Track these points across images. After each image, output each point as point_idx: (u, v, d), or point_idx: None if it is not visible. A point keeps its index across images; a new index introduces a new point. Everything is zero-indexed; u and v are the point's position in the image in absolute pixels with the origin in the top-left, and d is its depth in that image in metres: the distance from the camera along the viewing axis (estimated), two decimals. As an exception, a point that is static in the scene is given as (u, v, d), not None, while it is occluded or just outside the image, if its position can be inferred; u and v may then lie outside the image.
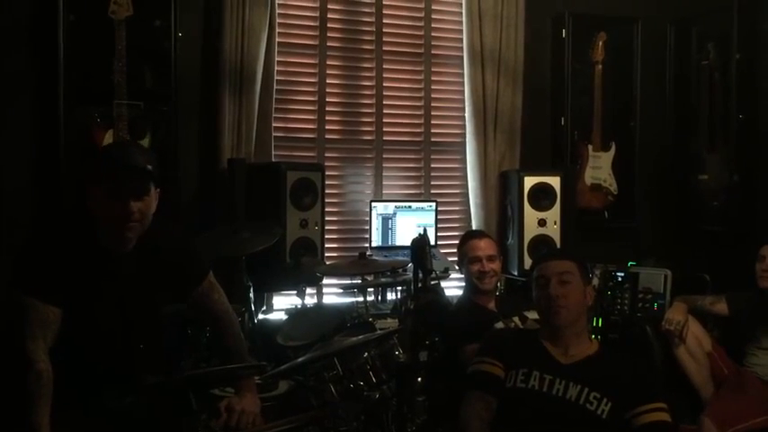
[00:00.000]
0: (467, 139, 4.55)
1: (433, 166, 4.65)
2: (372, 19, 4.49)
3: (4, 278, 2.11)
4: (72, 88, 3.57)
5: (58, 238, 2.13)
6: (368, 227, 4.32)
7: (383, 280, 3.46)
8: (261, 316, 3.73)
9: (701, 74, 4.78)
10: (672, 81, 5.01)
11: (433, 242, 3.87)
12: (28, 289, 2.04)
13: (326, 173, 4.03)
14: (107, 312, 2.15)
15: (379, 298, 3.82)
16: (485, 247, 3.28)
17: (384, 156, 4.54)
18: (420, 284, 2.25)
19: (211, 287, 2.44)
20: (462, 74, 4.54)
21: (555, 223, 4.28)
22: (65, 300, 2.05)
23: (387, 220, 4.31)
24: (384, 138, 4.54)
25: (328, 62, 4.39)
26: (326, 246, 4.05)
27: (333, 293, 4.17)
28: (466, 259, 3.27)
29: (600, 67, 4.71)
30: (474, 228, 4.40)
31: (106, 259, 2.15)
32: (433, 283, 2.27)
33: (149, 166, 2.11)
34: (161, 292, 2.31)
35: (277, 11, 4.11)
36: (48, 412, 1.96)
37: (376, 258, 3.66)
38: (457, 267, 3.46)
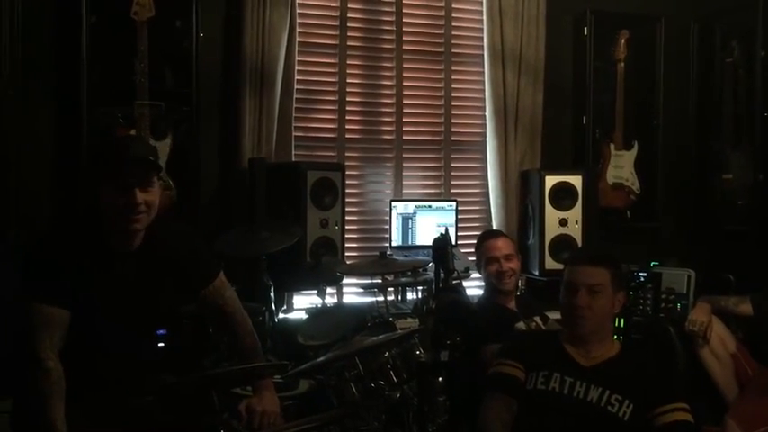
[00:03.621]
0: (487, 139, 4.53)
1: (453, 165, 4.64)
2: (392, 18, 4.49)
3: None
4: (94, 89, 3.59)
5: (64, 240, 2.14)
6: (388, 226, 4.31)
7: (403, 279, 3.46)
8: (281, 315, 3.74)
9: (724, 72, 4.73)
10: (695, 79, 4.95)
11: (453, 242, 3.87)
12: (33, 293, 2.05)
13: (346, 172, 4.03)
14: (115, 312, 2.15)
15: (399, 297, 3.82)
16: (501, 246, 3.26)
17: (404, 155, 4.53)
18: (441, 284, 2.24)
19: (223, 285, 2.43)
20: (483, 73, 4.53)
21: (576, 223, 4.26)
22: (72, 300, 2.07)
23: (407, 220, 4.30)
24: (404, 137, 4.53)
25: (348, 62, 4.39)
26: (347, 245, 4.05)
27: (353, 293, 4.18)
28: (483, 260, 3.25)
29: (622, 65, 4.67)
30: (494, 227, 4.39)
31: (112, 259, 2.16)
32: (454, 282, 2.26)
33: (151, 157, 2.16)
34: (168, 292, 2.30)
35: (297, 11, 4.12)
36: (62, 409, 1.97)
37: (396, 258, 3.66)
38: (477, 268, 3.45)
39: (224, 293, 2.42)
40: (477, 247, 3.37)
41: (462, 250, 4.35)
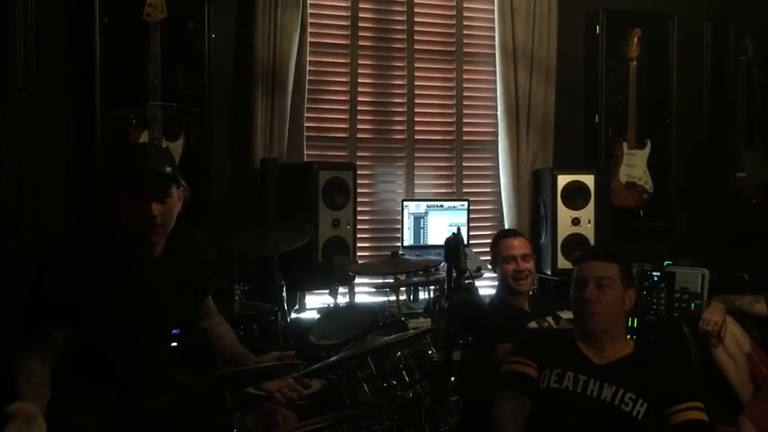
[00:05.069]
0: (499, 138, 4.53)
1: (464, 164, 4.64)
2: (403, 18, 4.49)
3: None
4: (107, 90, 3.61)
5: (82, 244, 2.16)
6: (400, 226, 4.31)
7: (415, 279, 3.46)
8: (293, 315, 3.76)
9: (738, 70, 4.70)
10: (709, 77, 4.93)
11: (465, 241, 3.87)
12: (37, 315, 2.08)
13: (358, 172, 4.03)
14: (134, 316, 2.16)
15: (411, 297, 3.81)
16: (519, 245, 3.25)
17: (416, 155, 4.53)
18: (454, 284, 2.24)
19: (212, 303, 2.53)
20: (494, 72, 4.53)
21: (589, 222, 4.24)
22: (88, 306, 2.08)
23: (418, 220, 4.30)
24: (416, 137, 4.53)
25: (360, 61, 4.40)
26: (358, 245, 4.05)
27: (365, 292, 4.18)
28: (500, 259, 3.24)
29: (635, 63, 4.65)
30: (507, 227, 4.37)
31: (133, 264, 2.16)
32: (466, 282, 2.25)
33: (168, 169, 2.13)
34: (187, 296, 2.33)
35: (309, 11, 4.12)
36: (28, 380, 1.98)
37: (408, 258, 3.66)
38: (490, 267, 3.44)
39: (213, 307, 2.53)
40: (493, 245, 3.36)
41: (474, 250, 4.35)
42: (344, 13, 4.36)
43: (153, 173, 2.11)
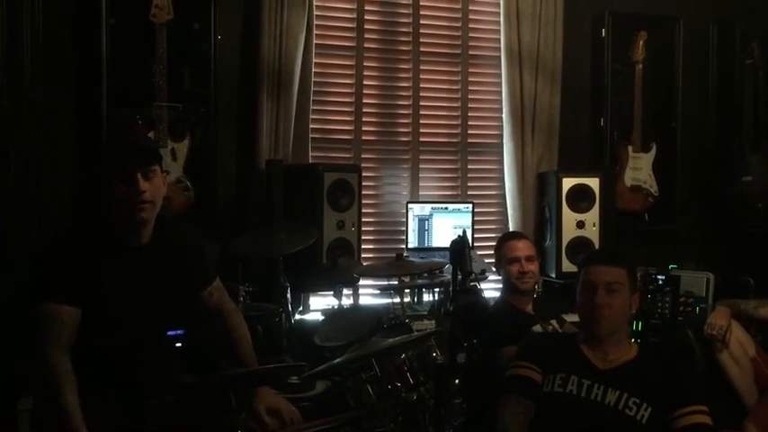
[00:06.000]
0: (504, 140, 4.52)
1: (469, 167, 4.63)
2: (409, 20, 4.49)
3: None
4: (114, 91, 3.63)
5: (76, 238, 2.18)
6: (404, 228, 4.31)
7: (420, 281, 3.46)
8: (298, 316, 3.75)
9: (744, 73, 4.69)
10: (715, 81, 4.92)
11: (470, 244, 3.86)
12: (43, 292, 2.08)
13: (363, 174, 4.03)
14: (128, 305, 2.17)
15: (416, 299, 3.82)
16: (523, 247, 3.25)
17: (421, 157, 4.53)
18: (459, 286, 2.24)
19: (222, 287, 2.49)
20: (500, 74, 4.52)
21: (594, 225, 4.23)
22: (83, 298, 2.09)
23: (423, 222, 4.30)
24: (421, 139, 4.53)
25: (365, 63, 4.40)
26: (363, 247, 4.04)
27: (369, 294, 4.18)
28: (504, 260, 3.24)
29: (640, 66, 4.64)
30: (511, 229, 4.37)
31: (123, 254, 2.19)
32: (471, 284, 2.25)
33: (152, 146, 2.26)
34: (179, 286, 2.33)
35: (314, 12, 4.13)
36: (74, 399, 1.99)
37: (412, 260, 3.66)
38: (494, 269, 3.44)
39: (225, 295, 2.48)
40: (497, 247, 3.36)
41: (479, 252, 4.34)
42: (350, 15, 4.36)
43: (136, 147, 2.20)
